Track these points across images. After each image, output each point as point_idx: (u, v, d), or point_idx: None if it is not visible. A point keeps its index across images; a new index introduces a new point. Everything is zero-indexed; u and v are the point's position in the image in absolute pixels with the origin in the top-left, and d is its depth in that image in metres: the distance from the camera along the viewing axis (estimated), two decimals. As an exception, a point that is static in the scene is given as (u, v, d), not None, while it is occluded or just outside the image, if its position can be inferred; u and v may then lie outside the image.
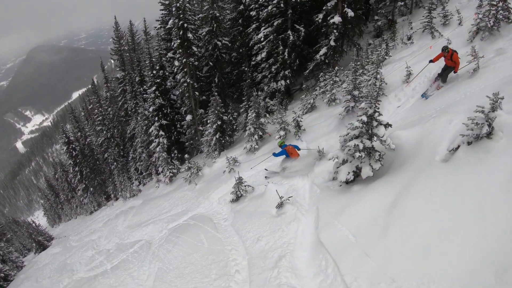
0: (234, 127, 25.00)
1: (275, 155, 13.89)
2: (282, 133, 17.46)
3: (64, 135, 44.76)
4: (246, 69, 24.99)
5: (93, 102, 43.88)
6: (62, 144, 47.17)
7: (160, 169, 30.71)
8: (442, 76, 12.06)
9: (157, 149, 29.04)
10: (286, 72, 23.56)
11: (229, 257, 9.85)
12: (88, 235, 27.95)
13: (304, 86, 25.27)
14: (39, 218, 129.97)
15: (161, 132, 28.55)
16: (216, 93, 22.84)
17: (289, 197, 10.75)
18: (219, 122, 22.80)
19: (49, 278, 21.45)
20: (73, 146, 45.58)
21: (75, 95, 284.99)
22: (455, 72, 11.60)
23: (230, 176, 17.66)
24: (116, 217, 28.57)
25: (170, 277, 10.65)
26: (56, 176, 66.40)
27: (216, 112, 22.47)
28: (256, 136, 19.67)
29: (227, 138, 24.08)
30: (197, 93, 26.54)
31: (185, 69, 25.22)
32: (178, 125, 31.31)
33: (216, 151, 23.78)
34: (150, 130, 29.62)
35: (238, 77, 29.60)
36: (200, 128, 27.42)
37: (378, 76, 15.11)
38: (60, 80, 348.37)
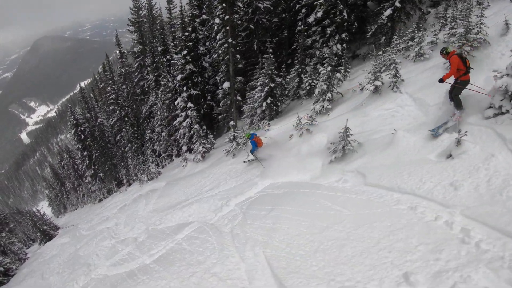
0: (287, 92, 20.89)
1: (252, 151, 14.92)
2: (378, 83, 13.20)
3: (72, 116, 40.81)
4: (301, 27, 20.76)
5: (106, 80, 39.85)
6: (69, 127, 43.08)
7: (184, 148, 26.98)
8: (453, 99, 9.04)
9: (184, 123, 25.05)
10: (343, 35, 19.94)
11: (419, 215, 6.66)
12: (101, 223, 24.17)
13: (360, 53, 21.77)
14: (44, 208, 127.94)
15: (189, 104, 24.57)
16: (270, 50, 18.64)
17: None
18: (272, 85, 18.69)
19: (58, 274, 17.48)
20: (82, 128, 41.67)
21: (80, 85, 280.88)
22: (441, 80, 8.68)
23: (303, 140, 14.07)
24: (134, 201, 24.69)
25: (308, 267, 6.70)
26: (62, 163, 62.42)
27: (269, 72, 18.32)
28: (329, 94, 15.56)
29: (279, 104, 19.89)
30: (238, 56, 22.82)
31: (227, 27, 21.44)
32: (209, 97, 27.17)
33: (264, 120, 19.54)
34: (176, 102, 25.70)
35: (278, 45, 25.51)
36: (238, 98, 23.49)
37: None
38: (65, 71, 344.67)
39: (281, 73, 20.22)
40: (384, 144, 10.39)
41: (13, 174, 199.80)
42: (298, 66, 20.22)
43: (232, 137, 18.03)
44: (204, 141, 22.16)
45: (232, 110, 24.61)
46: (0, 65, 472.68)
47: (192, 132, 24.06)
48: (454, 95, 8.66)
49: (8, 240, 33.84)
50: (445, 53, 8.68)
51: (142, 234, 15.02)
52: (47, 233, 34.24)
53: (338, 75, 16.68)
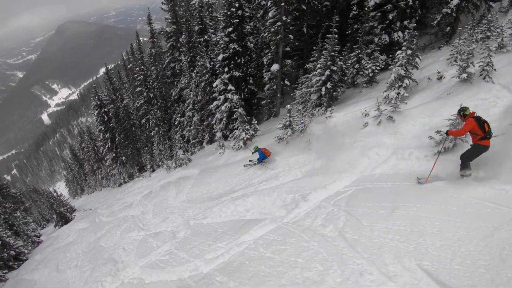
0: (346, 78, 18.39)
1: (259, 161, 15.42)
2: (471, 70, 11.18)
3: (96, 97, 38.94)
4: (366, 9, 18.22)
5: (134, 61, 37.78)
6: (93, 108, 41.28)
7: (218, 134, 24.97)
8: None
9: (222, 107, 22.79)
10: (406, 23, 17.79)
11: None
12: (123, 210, 22.18)
13: (421, 43, 19.27)
14: (61, 189, 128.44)
15: (230, 87, 22.17)
16: (335, 30, 16.11)
17: None
18: (333, 68, 16.22)
19: (77, 267, 15.49)
20: (106, 110, 39.82)
21: (103, 70, 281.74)
22: (446, 133, 8.46)
23: (383, 129, 11.95)
24: (162, 189, 22.52)
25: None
26: (82, 145, 60.86)
27: (332, 54, 15.89)
28: (406, 81, 13.15)
29: (338, 90, 17.37)
30: (291, 36, 20.44)
31: (282, 4, 19.02)
32: (250, 80, 24.81)
33: (319, 108, 17.06)
34: (214, 84, 23.39)
35: (326, 31, 22.99)
36: (286, 82, 21.10)
37: None
38: (88, 55, 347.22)
39: (341, 57, 17.69)
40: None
41: (32, 153, 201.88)
42: (359, 51, 17.79)
43: (287, 122, 15.53)
44: (248, 127, 19.72)
45: (278, 95, 22.22)
46: (25, 47, 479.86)
47: (234, 116, 21.66)
48: (465, 157, 7.77)
49: (22, 220, 32.17)
50: (462, 114, 7.75)
51: (181, 229, 12.85)
52: (63, 216, 32.39)
53: (417, 60, 14.09)
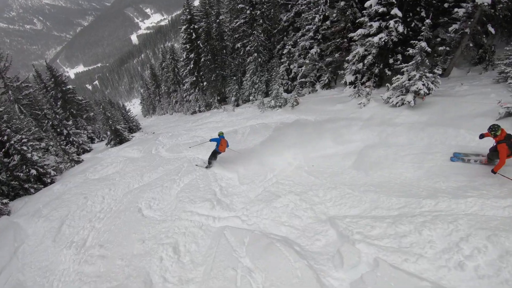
0: None
1: (211, 140, 12.61)
2: None
3: (187, 10, 32.85)
4: None
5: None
6: (181, 22, 35.26)
7: (349, 78, 18.49)
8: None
9: (375, 39, 15.81)
10: None
11: None
12: (190, 147, 16.09)
13: None
14: (135, 106, 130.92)
15: (395, 11, 15.21)
16: None
17: None
18: None
19: (81, 247, 9.29)
20: (195, 26, 33.84)
21: (197, 2, 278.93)
22: (493, 172, 7.08)
23: None
24: (254, 132, 16.46)
25: None
26: (163, 64, 56.29)
27: None
28: None
29: None
30: None
31: None
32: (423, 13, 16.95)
33: None
34: (368, 3, 16.32)
35: None
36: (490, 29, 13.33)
37: None
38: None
39: None
40: None
41: (116, 68, 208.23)
42: None
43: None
44: (429, 74, 11.93)
45: (462, 48, 14.20)
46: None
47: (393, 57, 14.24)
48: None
49: (72, 130, 27.73)
50: (493, 134, 7.12)
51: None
52: (119, 134, 27.12)
53: None
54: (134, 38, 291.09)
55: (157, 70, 65.81)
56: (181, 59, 40.94)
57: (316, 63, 22.25)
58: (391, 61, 17.33)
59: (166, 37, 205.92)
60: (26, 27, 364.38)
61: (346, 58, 19.02)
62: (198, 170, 12.19)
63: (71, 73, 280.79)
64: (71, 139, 27.86)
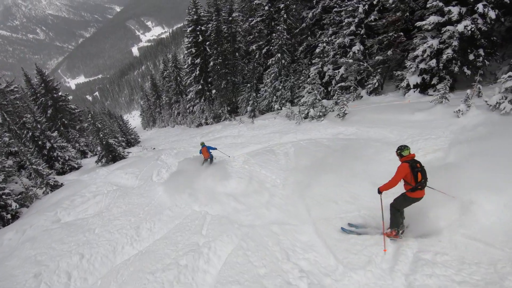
0: None
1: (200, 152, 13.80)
2: None
3: (193, 10, 28.61)
4: None
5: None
6: (187, 24, 30.93)
7: (413, 80, 14.41)
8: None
9: (459, 26, 11.18)
10: None
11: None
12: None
13: None
14: (135, 118, 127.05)
15: None
16: None
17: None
18: None
19: None
20: (203, 28, 29.47)
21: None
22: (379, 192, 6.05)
23: None
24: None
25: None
26: (164, 74, 51.63)
27: None
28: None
29: None
30: None
31: None
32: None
33: None
34: None
35: None
36: None
37: None
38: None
39: None
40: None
41: (116, 80, 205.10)
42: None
43: None
44: None
45: None
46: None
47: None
48: (393, 206, 6.08)
49: (58, 143, 22.80)
50: (398, 153, 5.99)
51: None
52: (112, 150, 21.24)
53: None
54: (135, 50, 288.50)
55: (158, 80, 61.64)
56: (185, 67, 36.36)
57: (361, 63, 17.50)
58: (471, 57, 12.71)
59: (167, 49, 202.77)
60: (29, 36, 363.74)
61: (411, 55, 14.30)
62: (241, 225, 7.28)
63: (72, 83, 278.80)
64: (55, 154, 22.86)
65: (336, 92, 16.52)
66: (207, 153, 13.23)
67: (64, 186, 15.39)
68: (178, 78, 44.91)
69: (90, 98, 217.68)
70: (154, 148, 23.15)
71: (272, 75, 22.68)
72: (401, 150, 5.87)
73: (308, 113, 16.38)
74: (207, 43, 29.15)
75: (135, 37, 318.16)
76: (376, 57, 17.06)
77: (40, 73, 33.14)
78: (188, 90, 35.72)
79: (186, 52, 33.73)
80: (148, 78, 62.96)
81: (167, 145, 23.84)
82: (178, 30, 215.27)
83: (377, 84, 17.14)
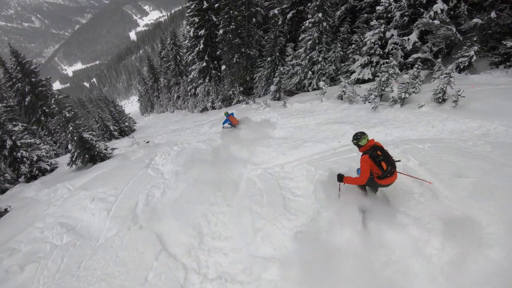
0: None
1: (223, 123, 13.59)
2: None
3: None
4: None
5: None
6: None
7: None
8: None
9: None
10: None
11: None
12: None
13: None
14: (134, 103, 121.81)
15: None
16: None
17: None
18: None
19: None
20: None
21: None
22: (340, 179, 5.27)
23: None
24: None
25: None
26: (162, 54, 45.19)
27: None
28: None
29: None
30: None
31: None
32: None
33: None
34: None
35: None
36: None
37: None
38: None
39: None
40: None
41: (114, 65, 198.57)
42: None
43: None
44: None
45: None
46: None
47: None
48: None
49: (23, 139, 16.73)
50: (355, 143, 5.22)
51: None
52: (89, 148, 14.69)
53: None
54: (132, 35, 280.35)
55: (156, 62, 55.15)
56: (186, 42, 29.85)
57: (449, 26, 11.37)
58: None
59: (165, 32, 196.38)
60: (24, 25, 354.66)
61: None
62: None
63: (69, 70, 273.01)
64: (19, 154, 16.84)
65: (417, 66, 10.19)
66: (235, 119, 13.26)
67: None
68: (178, 57, 38.61)
69: (87, 85, 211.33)
70: (147, 142, 17.12)
71: (309, 43, 16.34)
72: (358, 140, 5.14)
73: (392, 93, 10.24)
74: (216, 4, 22.90)
75: (132, 21, 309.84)
76: (474, 20, 10.95)
77: (15, 54, 27.03)
78: (190, 69, 29.41)
79: (187, 23, 27.49)
80: (146, 62, 56.73)
81: (165, 136, 17.84)
82: (176, 13, 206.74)
83: (474, 57, 10.93)
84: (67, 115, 13.55)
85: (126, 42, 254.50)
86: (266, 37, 21.66)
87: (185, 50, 31.93)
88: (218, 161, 8.69)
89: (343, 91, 12.18)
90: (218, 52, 24.77)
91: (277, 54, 20.06)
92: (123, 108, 37.77)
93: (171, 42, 38.67)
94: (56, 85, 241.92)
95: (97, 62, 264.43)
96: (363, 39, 14.64)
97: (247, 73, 23.15)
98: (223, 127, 13.71)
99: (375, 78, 10.98)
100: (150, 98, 58.29)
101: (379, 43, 14.17)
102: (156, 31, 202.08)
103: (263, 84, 21.20)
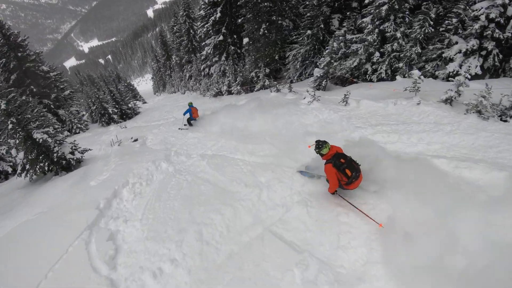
0: None
1: (184, 113, 13.02)
2: None
3: None
4: None
5: None
6: None
7: None
8: None
9: None
10: None
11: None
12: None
13: None
14: (148, 81, 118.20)
15: None
16: None
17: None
18: None
19: None
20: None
21: None
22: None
23: None
24: None
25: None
26: (175, 28, 39.74)
27: None
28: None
29: None
30: None
31: None
32: None
33: None
34: None
35: None
36: None
37: None
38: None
39: None
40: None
41: (129, 42, 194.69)
42: None
43: None
44: None
45: None
46: None
47: None
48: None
49: None
50: (317, 152, 5.36)
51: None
52: (44, 152, 9.51)
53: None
54: (150, 12, 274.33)
55: (169, 38, 49.86)
56: (200, 11, 24.29)
57: None
58: None
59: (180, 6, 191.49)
60: (41, 1, 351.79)
61: None
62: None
63: (85, 47, 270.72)
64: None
65: None
66: (197, 112, 12.72)
67: None
68: (191, 31, 33.26)
69: (102, 61, 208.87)
70: (135, 140, 12.10)
71: (384, 7, 10.73)
72: (320, 149, 5.24)
73: None
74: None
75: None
76: None
77: (-2, 25, 22.48)
78: (203, 43, 24.11)
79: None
80: (159, 37, 51.73)
81: (164, 129, 12.92)
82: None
83: None
84: (3, 106, 8.39)
85: (143, 19, 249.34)
86: (305, 3, 16.11)
87: (199, 23, 26.26)
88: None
89: (456, 91, 6.90)
90: (239, 21, 19.19)
91: (322, 26, 14.56)
92: (134, 87, 32.89)
93: (184, 14, 33.29)
94: (72, 61, 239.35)
95: (113, 39, 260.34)
96: (470, 12, 9.17)
97: (277, 50, 17.66)
98: (179, 129, 12.49)
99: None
100: (162, 77, 53.86)
101: (500, 20, 8.72)
102: (174, 7, 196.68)
103: (298, 66, 15.86)
